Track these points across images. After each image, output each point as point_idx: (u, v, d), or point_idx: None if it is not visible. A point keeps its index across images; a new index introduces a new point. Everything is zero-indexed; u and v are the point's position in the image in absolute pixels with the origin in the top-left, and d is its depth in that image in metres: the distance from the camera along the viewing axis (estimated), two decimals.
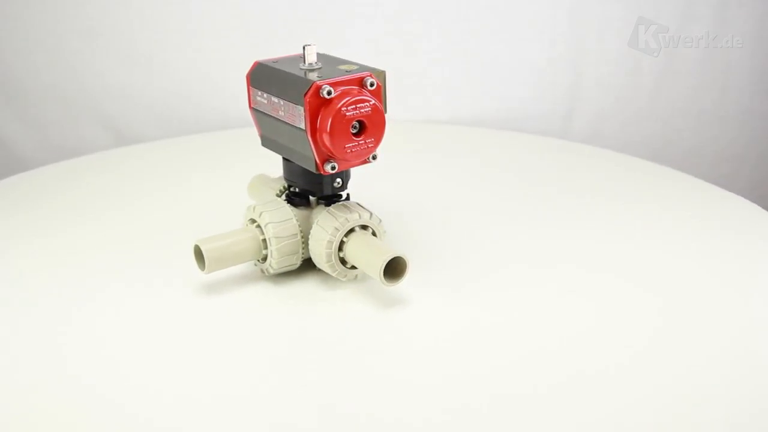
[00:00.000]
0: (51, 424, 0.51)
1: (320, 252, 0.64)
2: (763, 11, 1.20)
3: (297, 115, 0.61)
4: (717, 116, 1.26)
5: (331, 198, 0.68)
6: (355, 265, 0.64)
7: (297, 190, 0.69)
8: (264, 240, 0.65)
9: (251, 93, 0.67)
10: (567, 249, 0.74)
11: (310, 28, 1.13)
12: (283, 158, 0.68)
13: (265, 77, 0.65)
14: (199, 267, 0.64)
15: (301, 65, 0.64)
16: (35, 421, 0.51)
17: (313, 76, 0.61)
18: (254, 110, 0.68)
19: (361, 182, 0.75)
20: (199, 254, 0.64)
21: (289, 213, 0.65)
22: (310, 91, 0.59)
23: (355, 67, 0.63)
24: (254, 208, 0.66)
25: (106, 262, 0.72)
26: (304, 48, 0.64)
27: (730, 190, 0.85)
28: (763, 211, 0.80)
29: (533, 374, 0.55)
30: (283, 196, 0.69)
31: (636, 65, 1.20)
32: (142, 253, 0.74)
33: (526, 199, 0.85)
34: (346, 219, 0.64)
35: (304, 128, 0.61)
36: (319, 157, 0.61)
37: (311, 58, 0.64)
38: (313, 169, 0.62)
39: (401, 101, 1.17)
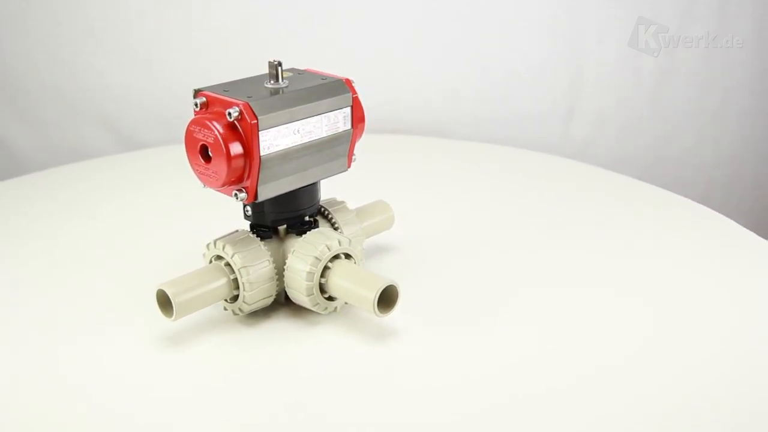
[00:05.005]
0: (48, 429, 0.51)
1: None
2: (763, 11, 1.20)
3: (341, 119, 0.61)
4: (717, 116, 1.26)
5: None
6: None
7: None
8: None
9: (259, 141, 0.55)
10: (559, 261, 0.73)
11: (310, 29, 1.13)
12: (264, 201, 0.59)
13: (274, 110, 0.56)
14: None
15: (267, 83, 0.59)
16: (32, 427, 0.51)
17: (320, 79, 0.61)
18: (265, 160, 0.56)
19: (359, 193, 0.75)
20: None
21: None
22: (350, 87, 0.61)
23: (290, 71, 0.63)
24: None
25: (106, 267, 0.72)
26: (278, 64, 0.59)
27: (730, 190, 0.85)
28: (747, 230, 0.79)
29: (533, 379, 0.55)
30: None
31: (636, 65, 1.20)
32: (141, 258, 0.74)
33: (517, 215, 0.84)
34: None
35: (350, 127, 0.62)
36: (352, 150, 0.63)
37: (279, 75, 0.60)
38: (345, 169, 0.63)
39: (401, 101, 1.17)
